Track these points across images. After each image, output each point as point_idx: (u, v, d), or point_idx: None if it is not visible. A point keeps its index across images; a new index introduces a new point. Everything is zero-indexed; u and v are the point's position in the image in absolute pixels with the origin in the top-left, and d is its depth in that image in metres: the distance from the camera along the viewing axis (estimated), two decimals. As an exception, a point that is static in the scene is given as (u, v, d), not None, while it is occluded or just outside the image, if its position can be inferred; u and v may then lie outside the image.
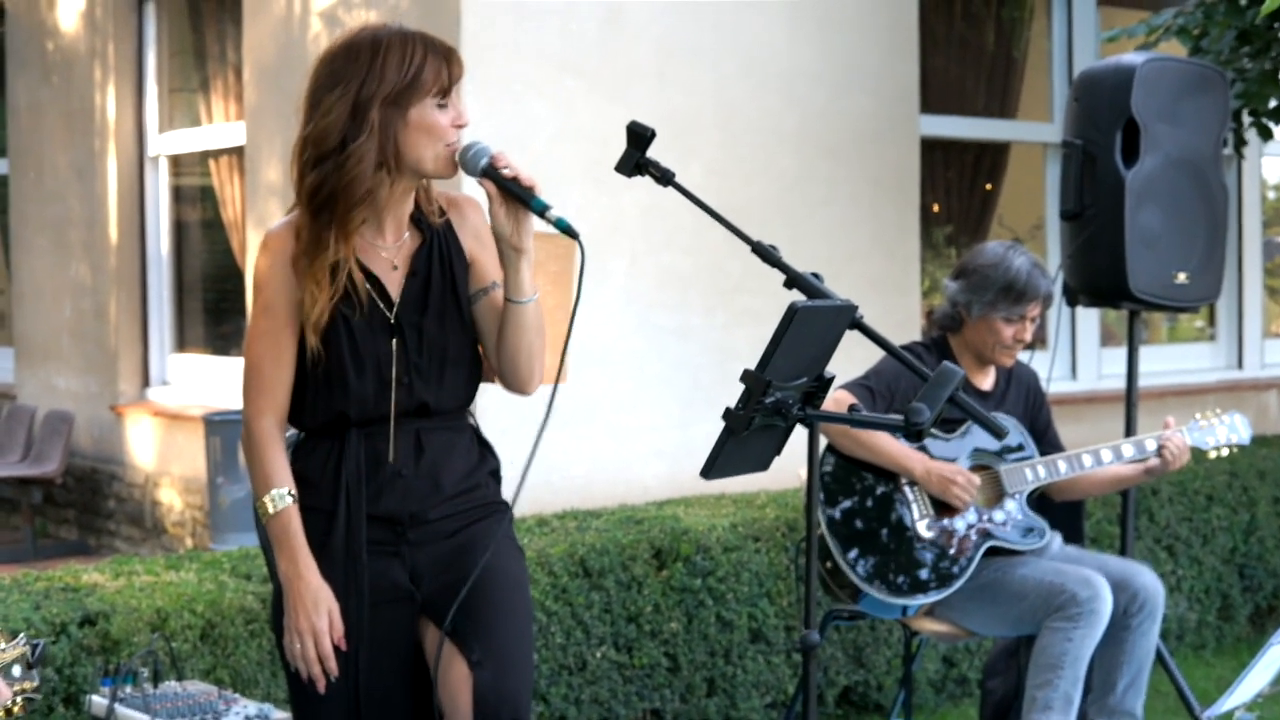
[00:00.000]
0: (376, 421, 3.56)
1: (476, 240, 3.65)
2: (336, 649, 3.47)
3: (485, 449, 3.74)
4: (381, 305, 3.54)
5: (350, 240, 3.47)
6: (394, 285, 3.56)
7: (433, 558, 3.59)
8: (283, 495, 3.49)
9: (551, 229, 3.42)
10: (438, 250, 3.60)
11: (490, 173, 3.45)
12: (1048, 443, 5.53)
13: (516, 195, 3.44)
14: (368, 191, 3.44)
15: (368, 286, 3.53)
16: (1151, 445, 5.43)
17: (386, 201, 3.53)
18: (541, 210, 3.42)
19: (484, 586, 3.55)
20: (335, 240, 3.45)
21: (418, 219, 3.62)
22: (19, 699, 3.36)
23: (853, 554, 5.19)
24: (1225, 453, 5.65)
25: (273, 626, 3.67)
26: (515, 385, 3.65)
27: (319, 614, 3.45)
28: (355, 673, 3.53)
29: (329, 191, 3.43)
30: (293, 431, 3.71)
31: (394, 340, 3.54)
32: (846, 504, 5.25)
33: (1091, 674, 5.28)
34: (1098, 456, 5.40)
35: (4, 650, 3.37)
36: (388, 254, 3.57)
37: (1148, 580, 5.30)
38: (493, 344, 3.63)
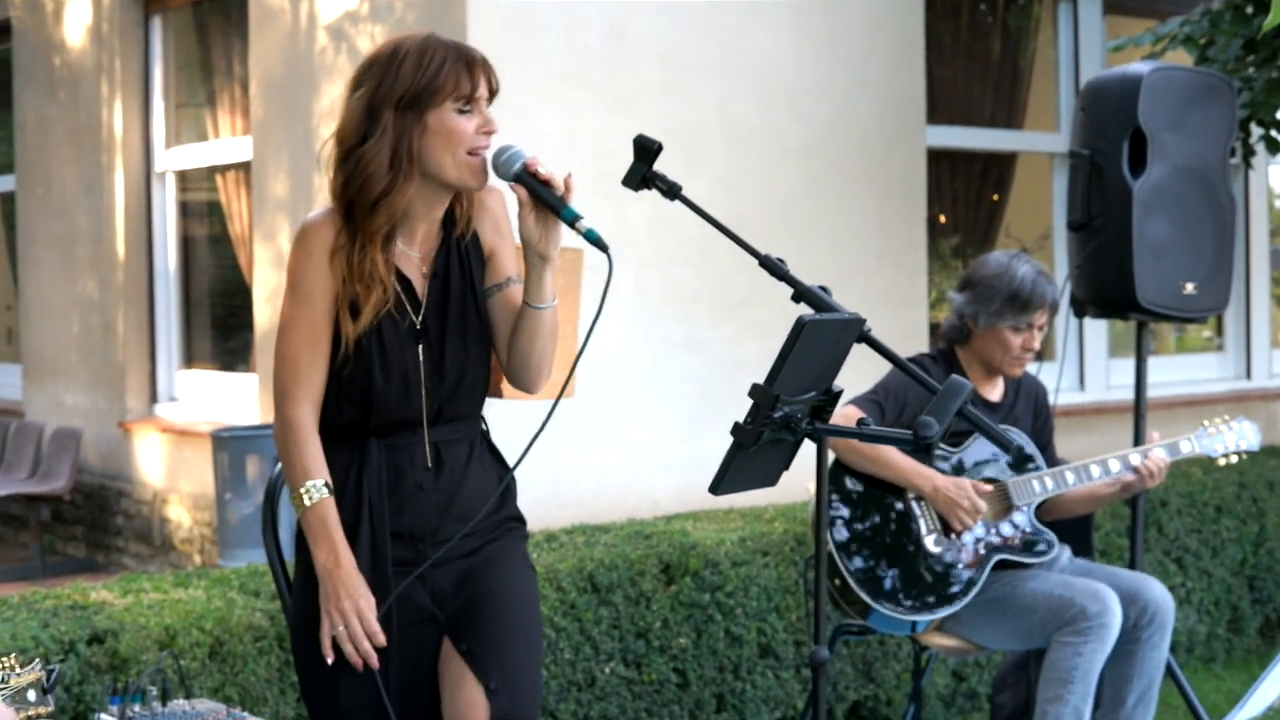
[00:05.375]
0: (397, 429, 3.55)
1: (496, 232, 3.63)
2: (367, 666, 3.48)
3: (498, 460, 3.74)
4: (411, 311, 3.55)
5: (376, 242, 3.47)
6: (422, 290, 3.57)
7: (452, 577, 3.59)
8: (318, 487, 3.48)
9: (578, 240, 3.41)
10: (457, 251, 3.60)
11: (523, 178, 3.43)
12: (1046, 458, 5.51)
13: (548, 203, 3.42)
14: (383, 193, 3.44)
15: (399, 292, 3.53)
16: (1159, 453, 5.40)
17: (415, 209, 3.53)
18: (572, 220, 3.40)
19: (498, 607, 3.56)
20: (368, 244, 3.46)
21: (446, 221, 3.61)
22: (31, 724, 3.35)
23: (861, 570, 5.18)
24: (1235, 459, 5.62)
25: (295, 652, 3.66)
26: (522, 384, 3.66)
27: (360, 595, 3.45)
28: (386, 689, 3.52)
29: (354, 190, 3.45)
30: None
31: (420, 346, 3.54)
32: (855, 519, 5.24)
33: (1101, 688, 5.26)
34: (1105, 467, 5.38)
35: (19, 674, 3.36)
36: (416, 260, 3.57)
37: (1157, 593, 5.28)
38: (504, 341, 3.63)
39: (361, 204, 3.45)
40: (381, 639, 3.46)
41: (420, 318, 3.55)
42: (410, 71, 3.44)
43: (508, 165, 3.45)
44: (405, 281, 3.55)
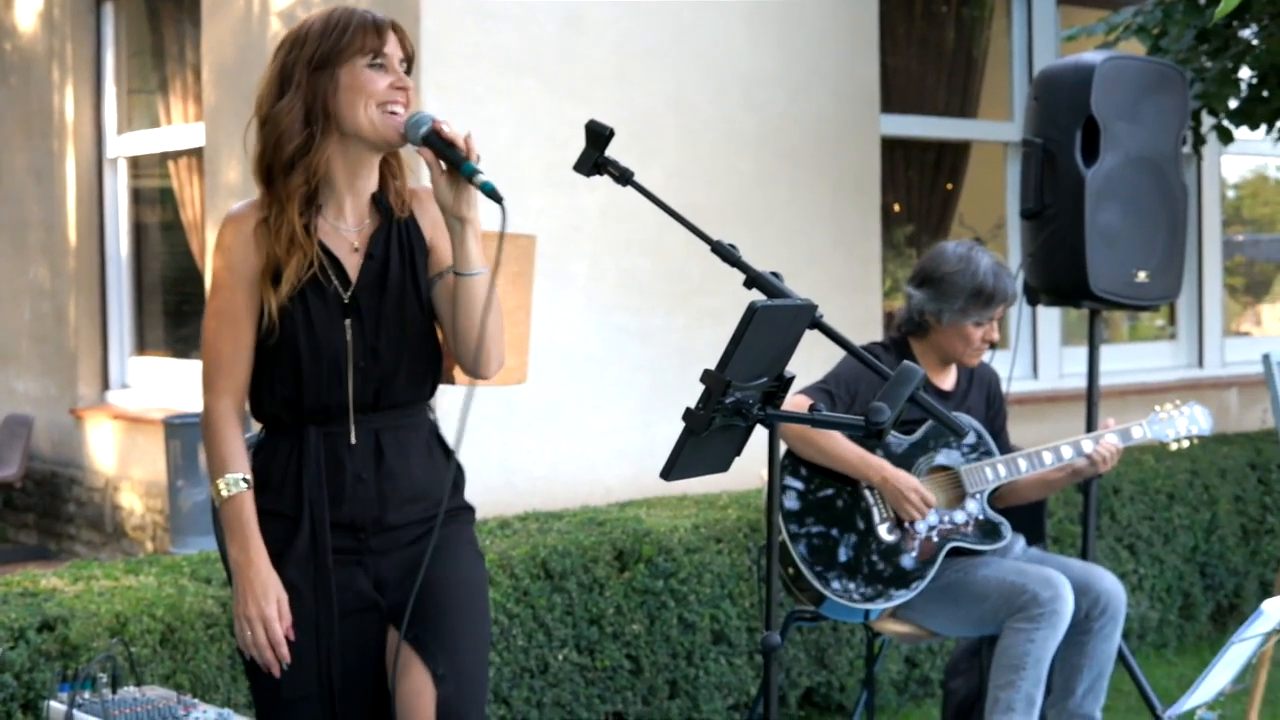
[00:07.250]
0: (334, 415, 3.53)
1: (435, 227, 3.62)
2: (308, 654, 3.46)
3: (444, 450, 3.71)
4: (338, 285, 3.53)
5: (295, 201, 3.48)
6: (353, 267, 3.55)
7: (396, 565, 3.57)
8: (236, 480, 3.47)
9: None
10: (397, 235, 3.59)
11: (429, 139, 3.44)
12: (1000, 445, 5.52)
13: (449, 159, 3.42)
14: (300, 150, 3.47)
15: (326, 266, 3.51)
16: (1111, 439, 5.43)
17: (336, 177, 3.53)
18: (470, 174, 3.40)
19: (445, 595, 3.54)
20: (285, 205, 3.47)
21: (381, 204, 3.60)
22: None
23: (814, 559, 5.18)
24: (1186, 444, 5.64)
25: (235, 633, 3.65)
26: (469, 368, 3.60)
27: (268, 601, 3.42)
28: (330, 680, 3.51)
29: (270, 151, 3.49)
30: (254, 431, 3.69)
31: (348, 321, 3.52)
32: (807, 507, 5.24)
33: (1052, 677, 5.28)
34: (1058, 453, 5.39)
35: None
36: (348, 236, 3.56)
37: (1109, 584, 5.31)
38: (449, 327, 3.61)
39: (279, 164, 3.48)
40: (285, 650, 3.44)
41: (349, 293, 3.53)
42: (318, 34, 3.50)
43: (416, 128, 3.47)
44: (332, 257, 3.53)
